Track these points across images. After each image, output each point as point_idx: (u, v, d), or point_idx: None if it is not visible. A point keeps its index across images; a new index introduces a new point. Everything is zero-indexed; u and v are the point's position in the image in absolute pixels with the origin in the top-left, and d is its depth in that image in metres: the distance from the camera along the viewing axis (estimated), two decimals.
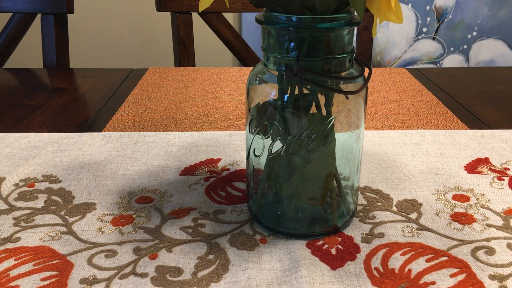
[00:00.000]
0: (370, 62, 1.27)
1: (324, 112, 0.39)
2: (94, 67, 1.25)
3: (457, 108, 0.73)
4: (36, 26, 1.07)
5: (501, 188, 0.50)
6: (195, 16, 1.08)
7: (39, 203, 0.47)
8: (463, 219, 0.45)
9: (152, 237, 0.42)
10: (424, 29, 2.02)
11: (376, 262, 0.39)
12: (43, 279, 0.37)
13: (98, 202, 0.47)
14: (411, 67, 2.03)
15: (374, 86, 0.81)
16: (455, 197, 0.48)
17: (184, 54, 1.08)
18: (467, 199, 0.48)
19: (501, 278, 0.38)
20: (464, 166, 0.54)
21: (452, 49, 2.06)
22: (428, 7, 1.99)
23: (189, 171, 0.53)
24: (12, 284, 0.37)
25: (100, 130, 0.65)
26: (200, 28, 1.27)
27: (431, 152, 0.58)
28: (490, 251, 0.41)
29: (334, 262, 0.39)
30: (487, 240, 0.42)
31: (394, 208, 0.47)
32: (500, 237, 0.43)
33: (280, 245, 0.41)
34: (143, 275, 0.38)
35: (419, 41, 2.04)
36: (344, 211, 0.44)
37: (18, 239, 0.42)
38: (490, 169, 0.54)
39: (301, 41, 0.37)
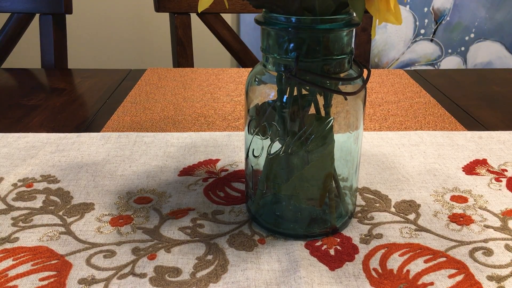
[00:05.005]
0: (368, 63, 1.27)
1: (323, 113, 0.40)
2: (92, 68, 1.24)
3: (455, 109, 0.73)
4: (34, 26, 1.07)
5: (499, 189, 0.50)
6: (194, 17, 1.09)
7: (38, 203, 0.47)
8: (461, 220, 0.45)
9: (151, 237, 0.42)
10: (422, 31, 2.03)
11: (374, 263, 0.39)
12: (41, 279, 0.37)
13: (97, 202, 0.47)
14: (409, 68, 2.03)
15: (373, 88, 0.82)
16: (453, 198, 0.49)
17: (182, 55, 1.08)
18: (465, 200, 0.48)
19: (499, 279, 0.38)
20: (462, 168, 0.55)
21: (449, 51, 2.06)
22: (426, 9, 2.00)
23: (187, 171, 0.53)
24: (11, 284, 0.37)
25: (98, 131, 0.65)
26: (198, 29, 1.27)
27: (429, 153, 0.58)
28: (488, 252, 0.41)
29: (333, 262, 0.39)
30: (485, 241, 0.42)
31: (393, 209, 0.47)
32: (498, 238, 0.43)
33: (278, 245, 0.41)
34: (142, 276, 0.38)
35: (417, 43, 2.05)
36: (343, 212, 0.44)
37: (17, 239, 0.42)
38: (488, 171, 0.54)
39: (300, 42, 0.37)
